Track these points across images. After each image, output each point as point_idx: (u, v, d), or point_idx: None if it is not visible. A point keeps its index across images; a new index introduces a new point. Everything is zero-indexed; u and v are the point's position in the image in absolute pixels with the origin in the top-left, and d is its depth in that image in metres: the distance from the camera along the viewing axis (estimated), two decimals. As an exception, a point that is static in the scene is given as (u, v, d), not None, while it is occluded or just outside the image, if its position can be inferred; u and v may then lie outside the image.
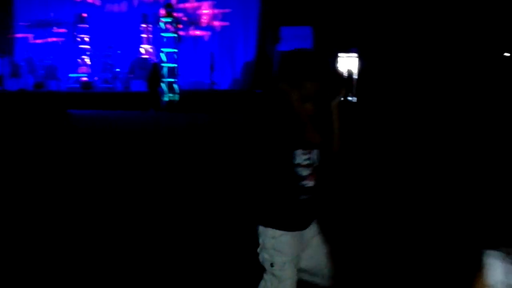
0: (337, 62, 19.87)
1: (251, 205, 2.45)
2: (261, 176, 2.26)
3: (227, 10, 20.33)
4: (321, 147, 2.18)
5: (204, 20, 20.57)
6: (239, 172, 6.69)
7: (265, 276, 2.22)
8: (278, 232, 2.17)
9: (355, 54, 19.51)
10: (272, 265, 2.18)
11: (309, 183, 2.20)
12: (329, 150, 2.20)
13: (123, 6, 21.24)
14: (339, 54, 19.83)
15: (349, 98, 19.29)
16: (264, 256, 2.21)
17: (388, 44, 17.95)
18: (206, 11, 20.58)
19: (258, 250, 2.25)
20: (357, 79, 19.27)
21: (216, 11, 20.55)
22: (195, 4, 20.62)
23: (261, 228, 2.23)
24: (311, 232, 2.29)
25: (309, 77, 2.11)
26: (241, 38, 20.67)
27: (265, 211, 2.23)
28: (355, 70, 19.56)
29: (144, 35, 20.56)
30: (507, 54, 16.67)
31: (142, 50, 20.49)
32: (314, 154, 2.22)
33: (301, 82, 2.12)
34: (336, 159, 2.38)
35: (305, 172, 2.18)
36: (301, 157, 2.16)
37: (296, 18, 18.72)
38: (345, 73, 19.69)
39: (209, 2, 20.64)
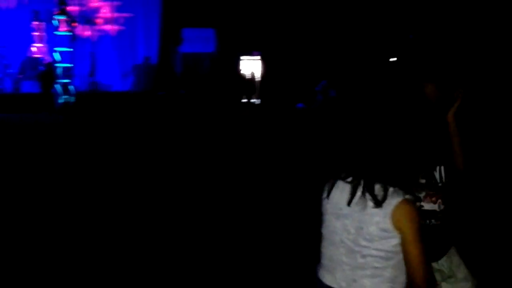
0: (239, 64, 20.02)
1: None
2: None
3: (125, 5, 19.55)
4: (444, 162, 1.90)
5: (103, 19, 19.68)
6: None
7: None
8: None
9: (258, 57, 19.75)
10: None
11: (427, 206, 1.93)
12: (453, 168, 1.93)
13: (12, 2, 19.70)
14: (242, 57, 20.01)
15: (253, 100, 19.50)
16: None
17: (290, 47, 18.34)
18: (104, 9, 19.69)
19: None
20: (260, 82, 19.50)
21: (115, 10, 19.75)
22: (92, 2, 19.68)
23: None
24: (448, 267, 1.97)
25: (427, 77, 1.83)
26: (142, 39, 20.06)
27: None
28: (258, 72, 19.81)
29: (36, 33, 19.22)
30: (393, 59, 17.73)
31: (33, 49, 19.13)
32: (437, 171, 1.94)
33: (419, 82, 1.87)
34: (463, 178, 2.05)
35: (419, 193, 1.90)
36: None
37: (198, 20, 18.54)
38: (248, 76, 19.88)
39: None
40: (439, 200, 1.95)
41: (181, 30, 18.98)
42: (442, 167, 1.96)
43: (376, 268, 1.57)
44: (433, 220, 1.94)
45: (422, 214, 1.86)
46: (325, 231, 1.71)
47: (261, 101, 19.22)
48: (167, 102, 16.32)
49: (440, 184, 1.96)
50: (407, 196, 1.58)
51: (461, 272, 2.02)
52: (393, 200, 1.58)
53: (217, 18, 18.40)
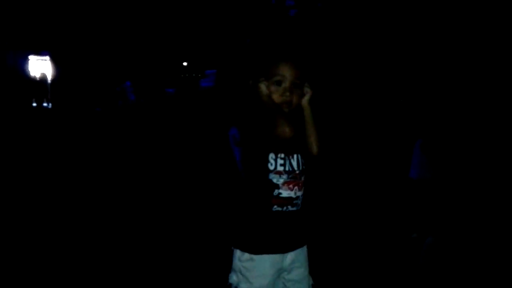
0: (27, 65, 18.08)
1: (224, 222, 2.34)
2: (231, 185, 2.13)
3: None
4: (299, 149, 1.97)
5: None
6: None
7: None
8: (245, 256, 1.94)
9: (47, 57, 18.10)
10: None
11: (285, 193, 1.94)
12: (308, 154, 1.99)
13: None
14: (30, 57, 18.11)
15: (44, 104, 17.77)
16: (232, 278, 1.98)
17: (83, 46, 17.21)
18: None
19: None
20: (51, 84, 17.90)
21: None
22: None
23: (233, 248, 2.00)
24: (295, 259, 1.99)
25: (276, 57, 1.90)
26: None
27: (235, 228, 2.00)
28: (48, 74, 18.16)
29: None
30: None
31: None
32: (295, 159, 1.97)
33: (267, 64, 1.92)
34: (318, 164, 2.10)
35: (280, 179, 1.93)
36: (273, 162, 1.93)
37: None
38: (38, 77, 18.10)
39: None
40: (296, 187, 2.01)
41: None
42: (299, 155, 2.02)
43: None
44: (289, 207, 1.99)
45: (280, 201, 1.94)
46: None
47: (53, 105, 17.67)
48: None
49: (297, 171, 2.01)
50: None
51: (298, 272, 2.07)
52: None
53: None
